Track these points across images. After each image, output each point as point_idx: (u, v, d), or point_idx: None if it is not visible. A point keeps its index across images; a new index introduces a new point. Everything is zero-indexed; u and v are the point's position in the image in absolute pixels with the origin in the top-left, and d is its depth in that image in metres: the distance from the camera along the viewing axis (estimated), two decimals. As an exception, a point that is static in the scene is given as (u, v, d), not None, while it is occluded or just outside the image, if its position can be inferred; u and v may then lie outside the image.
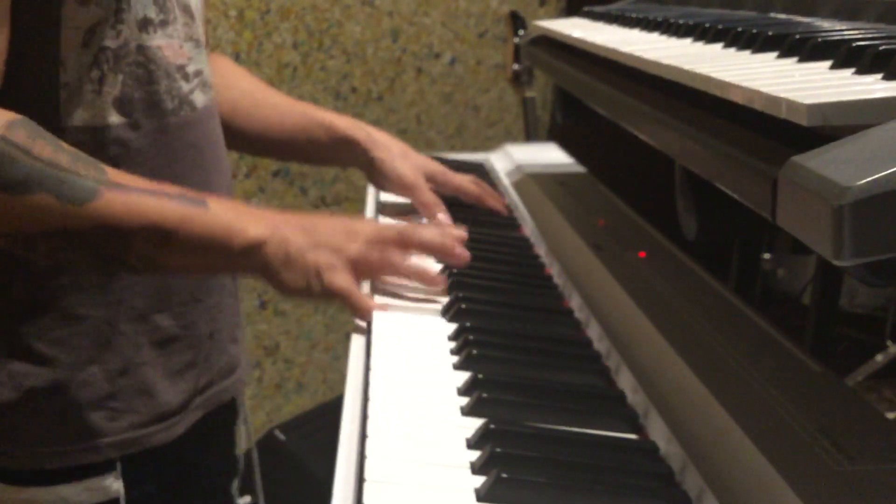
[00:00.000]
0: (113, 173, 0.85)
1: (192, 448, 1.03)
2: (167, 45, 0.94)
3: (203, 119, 0.99)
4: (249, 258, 0.89)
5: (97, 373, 0.93)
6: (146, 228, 0.84)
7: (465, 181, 1.28)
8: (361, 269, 0.95)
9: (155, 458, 0.98)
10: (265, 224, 0.91)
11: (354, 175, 2.24)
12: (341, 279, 0.92)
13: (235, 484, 1.16)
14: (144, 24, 0.91)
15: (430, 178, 1.24)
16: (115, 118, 0.90)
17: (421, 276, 0.99)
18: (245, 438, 1.18)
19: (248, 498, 1.16)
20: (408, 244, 0.99)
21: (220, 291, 1.03)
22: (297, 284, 0.91)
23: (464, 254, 1.01)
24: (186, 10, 0.97)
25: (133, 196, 0.84)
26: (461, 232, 1.05)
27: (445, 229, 1.06)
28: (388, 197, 1.28)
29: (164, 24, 0.93)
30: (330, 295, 0.93)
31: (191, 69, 0.97)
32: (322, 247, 0.93)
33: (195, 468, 1.06)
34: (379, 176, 1.24)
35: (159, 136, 0.93)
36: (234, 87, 1.20)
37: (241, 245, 0.88)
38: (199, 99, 0.98)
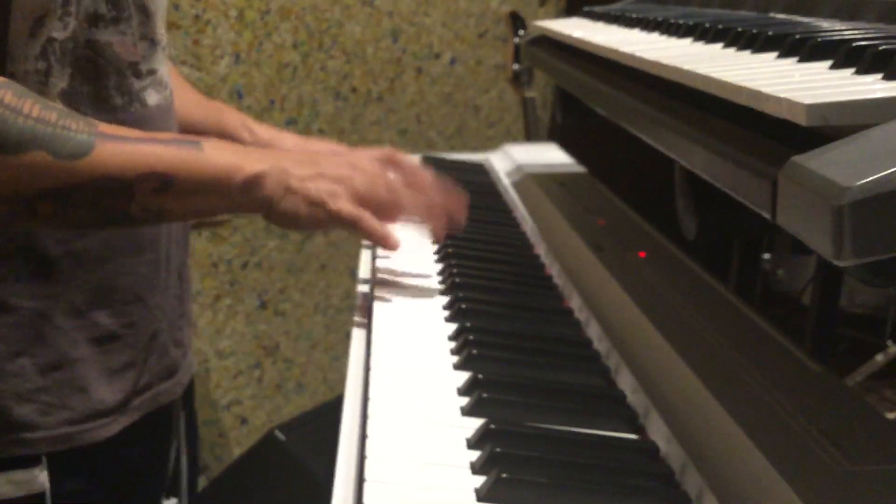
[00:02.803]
0: (104, 126, 0.84)
1: (126, 448, 1.00)
2: (119, 41, 0.91)
3: (155, 117, 0.96)
4: (250, 193, 0.88)
5: (27, 365, 0.90)
6: (145, 176, 0.83)
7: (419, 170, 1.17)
8: (367, 202, 0.93)
9: (86, 456, 0.95)
10: (264, 158, 0.90)
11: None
12: (348, 205, 0.91)
13: (165, 484, 1.13)
14: (95, 19, 0.89)
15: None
16: None
17: (429, 210, 0.97)
18: (180, 440, 1.13)
19: (173, 500, 1.14)
20: (413, 180, 0.98)
21: (164, 292, 1.00)
22: (299, 213, 0.90)
23: (460, 198, 1.01)
24: (143, 9, 0.94)
25: (128, 145, 0.83)
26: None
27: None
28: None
29: (115, 20, 0.91)
30: (337, 221, 0.91)
31: (144, 67, 0.95)
32: (325, 176, 0.92)
33: (127, 468, 1.03)
34: None
35: None
36: None
37: (241, 181, 0.87)
38: (151, 97, 0.96)
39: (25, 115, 0.79)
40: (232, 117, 1.21)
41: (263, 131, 1.21)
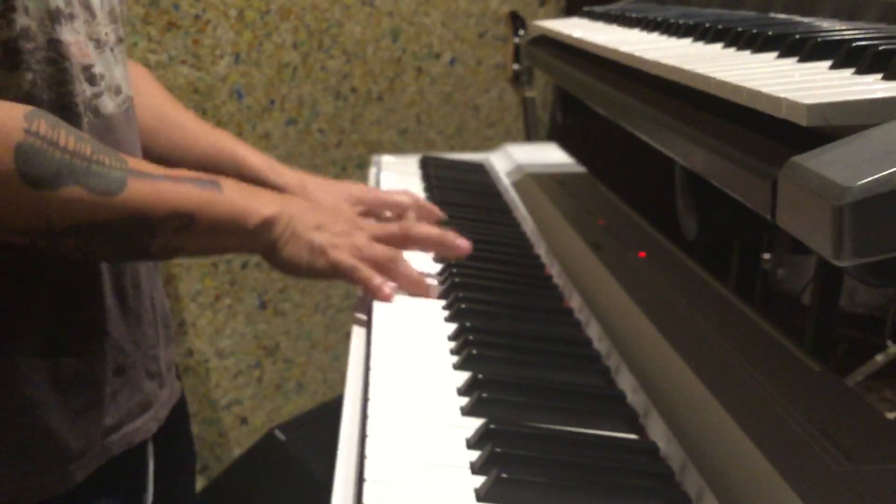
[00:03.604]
0: (131, 161, 0.83)
1: (94, 498, 0.91)
2: (74, 41, 0.84)
3: (109, 129, 0.89)
4: (260, 236, 0.91)
5: None
6: (171, 216, 0.83)
7: (394, 195, 1.17)
8: (364, 259, 0.96)
9: None
10: (273, 202, 0.92)
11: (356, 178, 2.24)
12: (346, 256, 0.95)
13: None
14: (55, 15, 0.81)
15: (358, 203, 1.15)
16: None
17: (419, 286, 0.99)
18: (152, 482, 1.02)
19: None
20: (408, 237, 1.00)
21: (134, 321, 0.94)
22: (300, 260, 0.93)
23: (465, 243, 1.03)
24: (87, 7, 0.86)
25: (157, 184, 0.83)
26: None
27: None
28: None
29: (71, 17, 0.83)
30: (335, 271, 0.94)
31: (96, 71, 0.87)
32: (328, 229, 0.96)
33: None
34: None
35: None
36: (142, 103, 1.07)
37: (255, 224, 0.90)
38: (107, 105, 0.89)
39: (62, 149, 0.76)
40: (252, 159, 1.13)
41: (290, 173, 1.15)
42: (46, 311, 0.86)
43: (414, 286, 0.99)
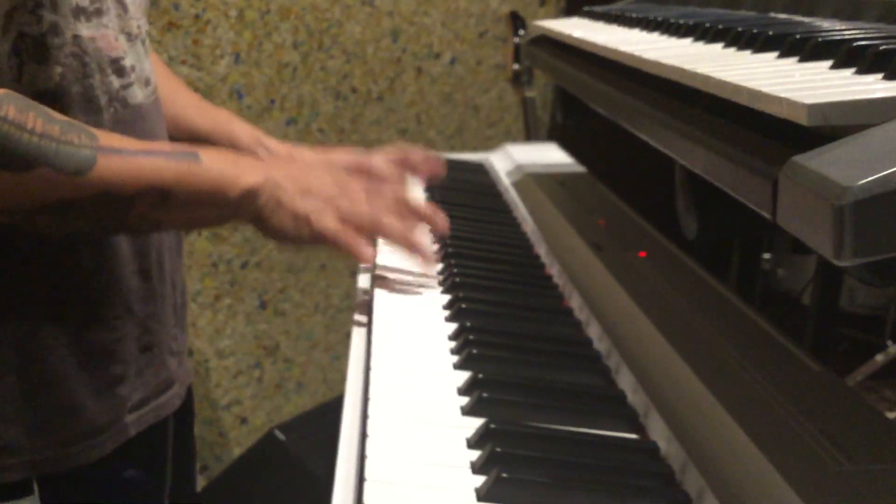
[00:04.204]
0: (104, 136, 0.83)
1: (121, 468, 0.96)
2: (101, 35, 0.88)
3: (138, 118, 0.93)
4: (244, 206, 0.90)
5: (13, 385, 0.87)
6: (145, 190, 0.83)
7: (381, 160, 1.16)
8: (349, 221, 0.95)
9: (77, 480, 0.91)
10: (258, 171, 0.91)
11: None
12: (331, 223, 0.93)
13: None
14: (77, 12, 0.85)
15: (355, 172, 1.13)
16: None
17: (408, 242, 0.98)
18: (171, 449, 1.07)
19: None
20: (397, 204, 0.99)
21: (159, 301, 0.97)
22: (286, 229, 0.92)
23: (443, 220, 1.02)
24: (119, 1, 0.91)
25: (129, 159, 0.83)
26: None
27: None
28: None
29: (98, 13, 0.88)
30: (320, 239, 0.93)
31: (127, 63, 0.91)
32: (313, 195, 0.94)
33: (123, 490, 0.98)
34: None
35: None
36: None
37: (236, 194, 0.89)
38: (136, 95, 0.92)
39: (30, 132, 0.78)
40: (244, 132, 1.18)
41: (280, 147, 1.18)
42: (74, 290, 0.89)
43: (403, 241, 0.98)
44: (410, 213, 1.01)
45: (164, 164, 0.84)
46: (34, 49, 0.83)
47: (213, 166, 0.88)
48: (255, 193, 0.90)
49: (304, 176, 0.96)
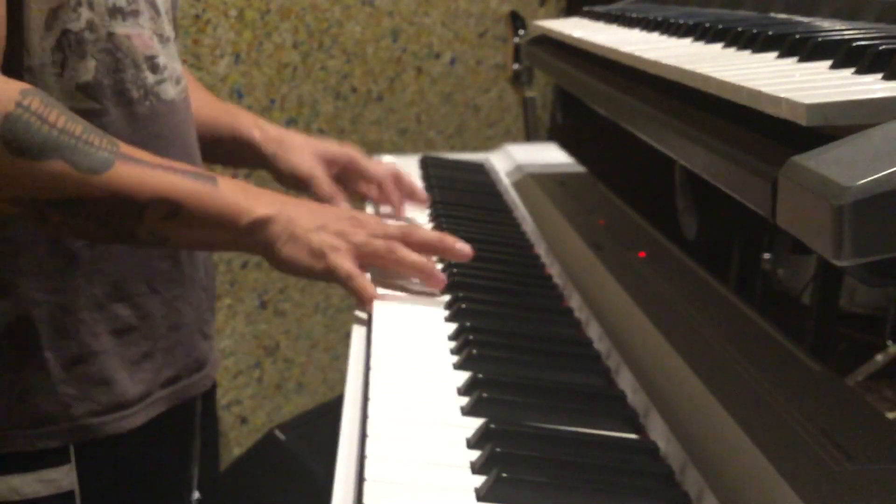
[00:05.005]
0: (125, 147, 0.86)
1: (151, 442, 1.01)
2: (136, 34, 0.94)
3: (171, 112, 0.98)
4: (254, 235, 0.93)
5: (51, 358, 0.92)
6: (157, 201, 0.86)
7: (379, 173, 1.23)
8: (365, 257, 0.97)
9: (110, 450, 0.97)
10: (272, 204, 0.94)
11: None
12: (345, 261, 0.95)
13: (191, 481, 1.13)
14: (114, 12, 0.91)
15: (343, 167, 1.23)
16: (81, 104, 0.89)
17: (423, 270, 0.99)
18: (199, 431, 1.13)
19: (196, 494, 1.14)
20: (410, 240, 1.00)
21: (188, 284, 1.02)
22: (298, 261, 0.94)
23: (465, 248, 1.02)
24: (152, 5, 0.97)
25: (146, 169, 0.86)
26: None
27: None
28: None
29: (135, 13, 0.94)
30: (332, 275, 0.95)
31: (160, 61, 0.97)
32: (327, 230, 0.96)
33: (152, 463, 1.04)
34: (276, 173, 1.24)
35: (126, 124, 0.94)
36: None
37: (247, 223, 0.92)
38: (168, 91, 0.98)
39: (51, 125, 0.81)
40: (245, 118, 1.24)
41: (273, 129, 1.24)
42: (107, 268, 0.94)
43: (419, 272, 0.99)
44: (423, 245, 1.01)
45: (179, 180, 0.88)
46: (76, 44, 0.88)
47: (228, 192, 0.91)
48: (266, 224, 0.93)
49: (319, 211, 0.99)
